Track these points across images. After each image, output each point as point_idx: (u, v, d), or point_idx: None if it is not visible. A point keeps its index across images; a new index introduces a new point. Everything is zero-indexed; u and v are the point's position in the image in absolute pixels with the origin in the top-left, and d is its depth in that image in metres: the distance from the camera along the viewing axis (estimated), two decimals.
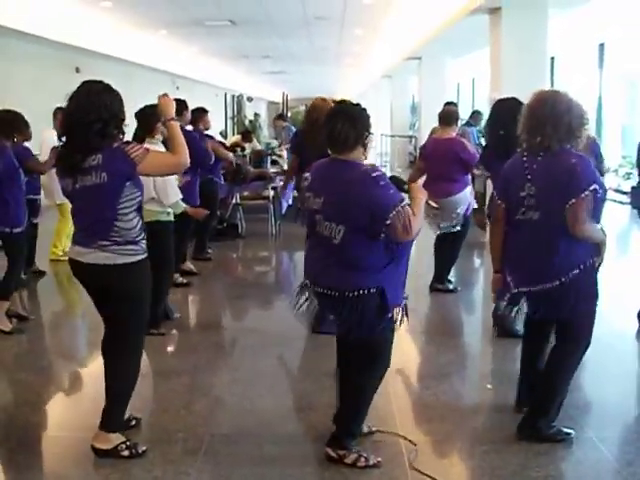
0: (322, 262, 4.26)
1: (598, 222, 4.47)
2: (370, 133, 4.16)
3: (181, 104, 9.13)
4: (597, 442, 4.64)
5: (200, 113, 9.97)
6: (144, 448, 4.49)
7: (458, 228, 8.05)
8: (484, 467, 4.37)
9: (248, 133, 17.53)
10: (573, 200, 4.24)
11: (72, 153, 4.24)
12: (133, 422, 4.83)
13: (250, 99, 37.54)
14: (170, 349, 6.74)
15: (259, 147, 17.45)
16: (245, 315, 8.23)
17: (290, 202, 13.13)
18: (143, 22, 17.26)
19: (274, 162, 15.74)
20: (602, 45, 18.14)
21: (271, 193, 12.58)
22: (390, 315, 4.15)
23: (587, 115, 4.51)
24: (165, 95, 4.58)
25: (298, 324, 7.01)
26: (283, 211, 12.61)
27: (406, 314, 4.31)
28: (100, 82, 4.34)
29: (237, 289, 9.19)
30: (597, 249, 4.46)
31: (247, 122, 24.06)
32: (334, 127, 4.12)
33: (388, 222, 3.93)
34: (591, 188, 4.25)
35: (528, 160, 4.52)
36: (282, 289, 9.74)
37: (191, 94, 21.51)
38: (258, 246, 12.12)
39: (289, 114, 27.56)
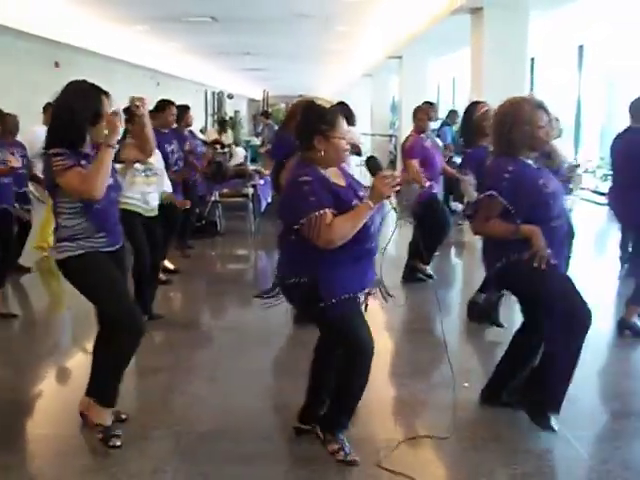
0: (280, 254, 4.43)
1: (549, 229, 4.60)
2: (322, 135, 4.13)
3: (179, 108, 9.23)
4: (573, 440, 4.67)
5: (182, 110, 9.96)
6: (117, 443, 4.49)
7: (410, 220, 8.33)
8: (461, 465, 4.39)
9: (224, 122, 17.60)
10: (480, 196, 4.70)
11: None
12: (123, 416, 4.85)
13: (230, 96, 37.52)
14: (148, 347, 6.70)
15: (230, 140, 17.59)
16: (224, 313, 8.23)
17: (269, 200, 13.15)
18: (123, 17, 17.15)
19: (253, 160, 15.76)
20: (581, 47, 18.25)
21: (250, 191, 12.57)
22: (329, 303, 4.12)
23: (538, 134, 4.61)
24: (114, 113, 4.41)
25: (277, 322, 7.01)
26: (262, 209, 12.63)
27: (366, 305, 4.40)
28: (78, 83, 4.42)
29: (216, 287, 9.17)
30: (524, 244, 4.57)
31: (227, 119, 23.99)
32: (297, 127, 4.33)
33: (296, 227, 4.03)
34: (487, 193, 4.58)
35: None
36: (261, 287, 9.67)
37: (171, 90, 21.50)
38: (237, 244, 12.11)
39: (269, 111, 27.54)
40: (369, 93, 28.97)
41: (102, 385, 4.64)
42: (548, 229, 4.55)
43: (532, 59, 19.07)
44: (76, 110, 4.28)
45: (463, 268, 9.50)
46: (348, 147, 4.26)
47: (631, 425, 4.95)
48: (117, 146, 4.42)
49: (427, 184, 8.41)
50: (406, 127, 15.91)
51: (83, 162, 4.34)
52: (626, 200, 6.61)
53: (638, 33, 15.51)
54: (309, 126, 4.17)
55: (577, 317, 4.73)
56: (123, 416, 4.87)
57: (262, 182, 13.02)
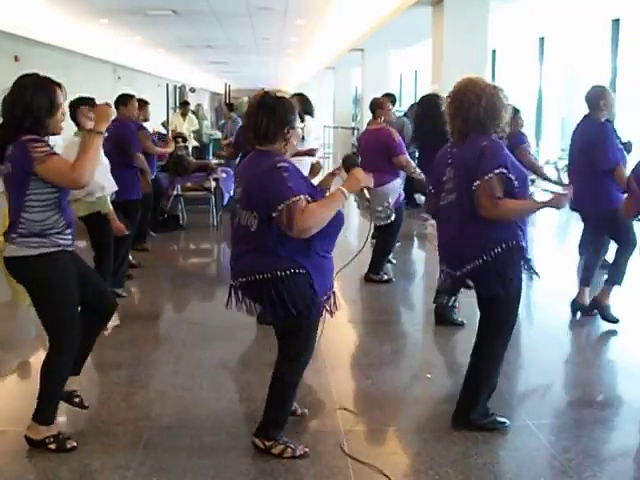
0: (239, 250, 4.28)
1: None
2: (291, 127, 4.14)
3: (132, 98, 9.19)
4: (534, 429, 4.70)
5: (140, 104, 9.92)
6: (74, 444, 4.43)
7: (391, 219, 8.13)
8: (424, 455, 4.40)
9: (186, 103, 17.57)
10: (477, 182, 4.30)
11: None
12: (77, 399, 4.77)
13: (193, 90, 37.30)
14: (110, 341, 6.67)
15: (196, 126, 17.55)
16: (186, 306, 8.19)
17: (232, 193, 13.10)
18: (84, 10, 17.00)
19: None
20: (542, 39, 18.35)
21: (213, 184, 12.52)
22: (316, 300, 4.13)
23: (504, 108, 4.51)
24: (107, 104, 4.42)
25: (240, 316, 6.96)
26: (225, 202, 12.59)
27: (333, 308, 4.34)
28: (31, 76, 4.33)
29: (178, 280, 9.13)
30: (515, 233, 4.44)
31: (190, 112, 23.87)
32: (256, 119, 4.15)
33: (274, 214, 3.95)
34: (496, 171, 4.28)
35: (452, 147, 4.64)
36: (223, 280, 9.65)
37: (133, 84, 21.35)
38: (199, 237, 12.06)
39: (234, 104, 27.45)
40: (332, 86, 29.01)
41: (43, 403, 4.47)
42: None
43: (493, 51, 19.16)
44: (32, 102, 4.20)
45: (426, 260, 9.53)
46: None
47: (592, 414, 4.99)
48: (105, 134, 4.32)
49: (400, 183, 8.35)
50: (368, 119, 15.93)
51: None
52: (583, 187, 6.67)
53: (598, 25, 15.63)
54: (281, 119, 4.13)
55: (509, 333, 4.69)
56: (86, 404, 4.80)
57: (224, 175, 12.97)
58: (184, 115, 18.20)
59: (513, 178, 4.32)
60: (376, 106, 8.69)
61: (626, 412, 5.07)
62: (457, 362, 6.10)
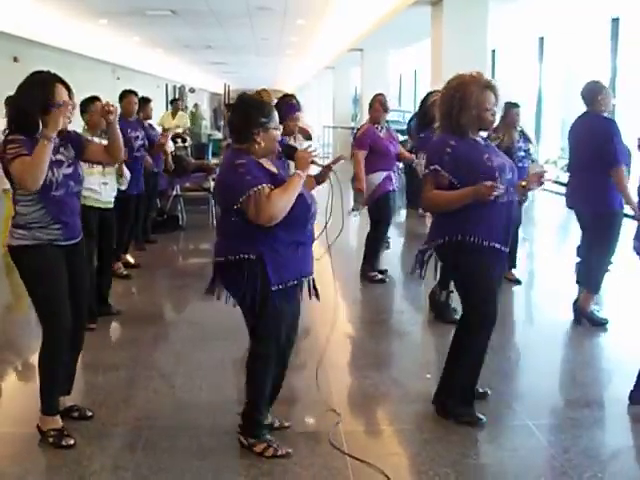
0: (216, 237, 4.43)
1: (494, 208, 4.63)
2: (262, 128, 4.21)
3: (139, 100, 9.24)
4: (534, 429, 4.70)
5: (142, 103, 9.93)
6: (71, 442, 4.45)
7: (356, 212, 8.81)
8: (424, 455, 4.40)
9: (175, 100, 17.57)
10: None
11: None
12: (75, 414, 4.79)
13: (192, 90, 37.33)
14: (109, 342, 6.67)
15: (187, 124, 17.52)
16: (185, 307, 8.18)
17: None
18: (83, 11, 17.01)
19: (215, 154, 15.69)
20: (542, 38, 18.35)
21: (212, 184, 12.49)
22: (276, 288, 4.18)
23: (486, 105, 4.65)
24: (57, 104, 4.34)
25: (239, 316, 6.97)
26: None
27: (301, 296, 4.43)
28: (39, 73, 4.44)
29: (178, 281, 9.12)
30: (463, 228, 4.61)
31: (188, 112, 23.88)
32: (231, 117, 4.37)
33: (237, 206, 4.08)
34: (431, 168, 4.64)
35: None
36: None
37: (132, 84, 21.33)
38: (199, 238, 12.04)
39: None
40: (331, 86, 28.99)
41: (43, 395, 4.56)
42: (494, 205, 4.54)
43: (493, 51, 19.16)
44: (26, 98, 4.32)
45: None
46: (279, 136, 4.39)
47: (591, 414, 4.98)
48: (56, 140, 4.33)
49: (382, 177, 8.45)
50: (366, 118, 15.92)
51: None
52: (583, 186, 6.65)
53: (597, 24, 15.63)
54: (250, 120, 4.22)
55: (489, 319, 4.76)
56: (89, 413, 4.84)
57: None
58: (174, 113, 18.13)
59: (447, 176, 4.59)
60: (369, 105, 9.06)
61: (625, 412, 5.05)
62: None
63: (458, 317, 6.77)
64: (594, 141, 6.48)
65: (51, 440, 4.46)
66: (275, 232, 4.12)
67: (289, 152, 4.61)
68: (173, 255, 11.10)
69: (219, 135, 19.23)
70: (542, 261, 10.05)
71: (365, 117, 10.92)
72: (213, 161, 14.85)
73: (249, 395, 4.41)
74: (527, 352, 6.25)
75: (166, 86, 36.72)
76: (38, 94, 4.30)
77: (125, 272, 8.71)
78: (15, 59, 17.89)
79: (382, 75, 19.99)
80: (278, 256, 4.17)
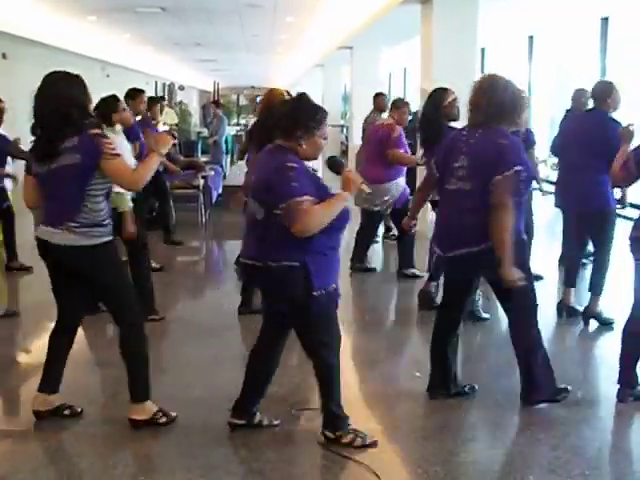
0: (249, 236, 4.40)
1: (520, 206, 4.72)
2: (308, 132, 4.21)
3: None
4: (523, 428, 4.72)
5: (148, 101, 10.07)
6: (174, 414, 4.69)
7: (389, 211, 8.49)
8: (413, 454, 4.41)
9: (161, 98, 17.56)
10: (498, 177, 4.53)
11: (45, 141, 4.44)
12: (67, 411, 4.79)
13: (182, 87, 37.27)
14: (97, 340, 6.64)
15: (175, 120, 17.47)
16: (174, 304, 8.15)
17: (220, 191, 13.09)
18: (72, 7, 16.94)
19: (204, 151, 15.66)
20: (531, 37, 18.37)
21: (201, 182, 12.49)
22: (319, 293, 4.19)
23: (524, 101, 4.81)
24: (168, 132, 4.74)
25: (228, 313, 7.00)
26: (213, 200, 12.56)
27: (336, 304, 4.38)
28: (58, 72, 4.56)
29: (167, 278, 9.08)
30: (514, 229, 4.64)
31: (177, 109, 23.85)
32: (280, 113, 4.41)
33: (277, 212, 4.08)
34: (516, 169, 4.54)
35: (467, 135, 4.85)
36: (212, 278, 9.72)
37: (121, 82, 21.29)
38: (188, 235, 12.01)
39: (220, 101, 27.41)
40: (321, 83, 28.96)
41: (141, 382, 4.71)
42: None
43: (482, 49, 19.17)
44: (75, 94, 4.45)
45: (416, 259, 9.47)
46: (324, 147, 4.35)
47: (580, 412, 5.00)
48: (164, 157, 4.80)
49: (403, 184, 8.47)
50: (357, 117, 15.94)
51: None
52: (579, 183, 6.63)
53: (587, 24, 15.67)
54: (297, 119, 4.23)
55: (536, 302, 5.00)
56: (78, 409, 4.84)
57: (212, 173, 12.95)
58: (161, 111, 18.09)
59: (524, 176, 4.62)
60: (393, 104, 9.03)
61: (613, 410, 5.08)
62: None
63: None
64: (605, 142, 6.30)
65: (163, 420, 4.63)
66: (318, 238, 4.12)
67: (333, 166, 4.49)
68: (162, 253, 11.06)
69: (206, 133, 19.18)
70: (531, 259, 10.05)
71: (356, 115, 10.91)
72: (202, 158, 14.84)
73: (328, 395, 4.42)
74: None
75: (155, 83, 36.64)
76: (83, 89, 4.52)
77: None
78: (4, 56, 17.83)
79: (372, 73, 19.93)
80: (320, 262, 4.18)
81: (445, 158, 4.93)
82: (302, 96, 4.52)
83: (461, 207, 4.76)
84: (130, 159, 5.76)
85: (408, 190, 8.46)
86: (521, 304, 4.88)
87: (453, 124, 6.79)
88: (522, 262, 4.72)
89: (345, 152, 22.82)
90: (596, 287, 6.72)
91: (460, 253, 4.77)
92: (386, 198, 8.26)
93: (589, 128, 6.62)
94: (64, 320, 4.80)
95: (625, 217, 9.80)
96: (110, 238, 4.57)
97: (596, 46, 14.95)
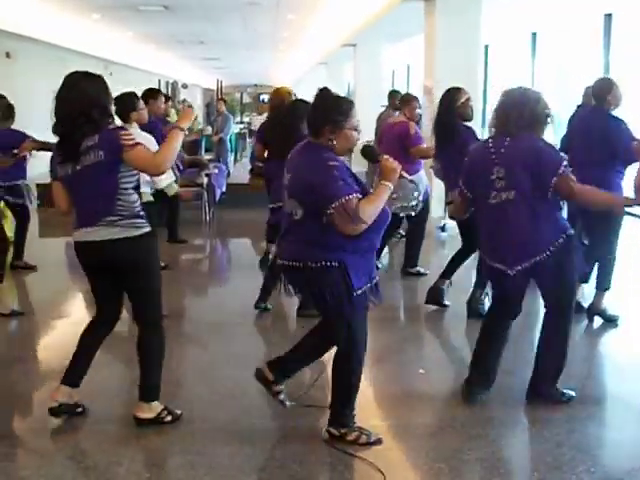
0: (283, 233, 4.40)
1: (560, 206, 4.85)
2: (337, 126, 4.17)
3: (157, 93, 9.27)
4: (528, 424, 4.72)
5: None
6: (179, 412, 4.69)
7: (414, 213, 8.24)
8: (418, 451, 4.41)
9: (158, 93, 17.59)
10: (554, 179, 4.57)
11: (67, 143, 4.42)
12: (80, 409, 4.78)
13: (185, 86, 37.31)
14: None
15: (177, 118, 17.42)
16: (178, 303, 8.14)
17: (224, 189, 13.08)
18: (75, 6, 16.95)
19: (208, 149, 15.64)
20: (535, 34, 18.34)
21: (205, 180, 12.47)
22: (354, 294, 4.20)
23: (550, 111, 4.86)
24: (190, 107, 4.68)
25: (230, 311, 7.01)
26: (217, 198, 12.55)
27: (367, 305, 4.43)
28: (79, 72, 4.55)
29: (170, 276, 9.07)
30: (566, 224, 4.78)
31: (180, 108, 23.85)
32: (310, 111, 4.34)
33: (329, 212, 4.03)
34: (564, 164, 4.62)
35: (494, 145, 4.79)
36: (216, 276, 9.71)
37: (125, 80, 21.31)
38: (192, 233, 12.01)
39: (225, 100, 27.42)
40: (324, 81, 28.97)
41: (152, 381, 4.69)
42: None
43: (486, 46, 19.15)
44: (96, 94, 4.44)
45: (422, 257, 9.46)
46: (358, 139, 4.29)
47: (586, 409, 4.98)
48: (187, 132, 4.64)
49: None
50: (360, 115, 15.88)
51: None
52: (591, 182, 6.63)
53: (590, 21, 15.64)
54: (322, 114, 4.21)
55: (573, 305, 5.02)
56: (79, 409, 4.81)
57: (216, 171, 12.94)
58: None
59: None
60: (403, 100, 8.98)
61: (618, 407, 5.08)
62: (450, 357, 6.11)
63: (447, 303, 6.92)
64: (606, 139, 6.38)
65: (169, 419, 4.63)
66: (357, 238, 4.10)
67: (368, 153, 4.50)
68: (165, 251, 11.06)
69: (210, 131, 19.18)
70: None
71: (360, 113, 10.81)
72: (206, 156, 14.83)
73: (339, 393, 4.44)
74: (523, 348, 6.25)
75: (159, 82, 36.65)
76: (104, 88, 4.52)
77: None
78: (7, 55, 17.83)
79: (375, 70, 19.94)
80: (358, 261, 4.18)
81: (475, 174, 4.90)
82: (323, 91, 4.39)
83: (510, 217, 4.71)
84: (152, 147, 5.71)
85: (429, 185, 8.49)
86: (565, 303, 4.88)
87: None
88: (571, 262, 4.80)
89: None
90: (601, 283, 6.71)
91: (526, 265, 4.73)
92: (416, 193, 8.17)
93: (590, 126, 6.63)
94: (101, 319, 4.80)
95: (633, 214, 9.82)
96: (149, 229, 4.52)
97: (600, 43, 14.92)
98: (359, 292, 4.23)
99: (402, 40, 20.45)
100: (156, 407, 4.63)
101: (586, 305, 6.82)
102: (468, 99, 6.97)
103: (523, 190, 4.63)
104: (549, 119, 4.82)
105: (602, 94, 6.56)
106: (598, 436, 4.71)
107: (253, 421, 4.73)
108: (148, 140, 6.29)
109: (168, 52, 29.05)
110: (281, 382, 4.64)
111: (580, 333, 6.71)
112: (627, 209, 6.25)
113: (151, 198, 7.03)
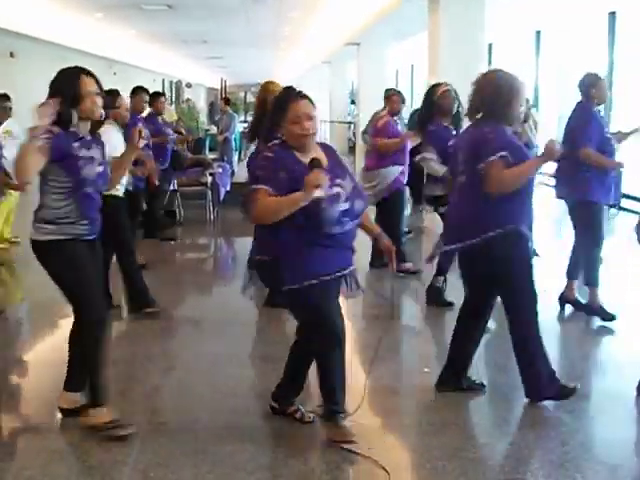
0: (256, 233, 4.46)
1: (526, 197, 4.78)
2: (279, 120, 4.20)
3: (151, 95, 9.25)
4: (531, 423, 4.71)
5: (153, 97, 10.09)
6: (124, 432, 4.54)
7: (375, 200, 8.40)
8: (422, 449, 4.41)
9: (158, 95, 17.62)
10: (482, 165, 4.58)
11: None
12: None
13: (189, 85, 37.31)
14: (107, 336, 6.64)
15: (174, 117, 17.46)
16: (182, 302, 8.15)
17: (228, 188, 13.08)
18: (78, 5, 16.96)
19: (212, 149, 15.64)
20: (539, 32, 18.33)
21: (209, 179, 12.48)
22: (294, 288, 4.14)
23: (518, 94, 4.80)
24: (42, 104, 4.31)
25: (235, 311, 7.00)
26: (221, 197, 12.55)
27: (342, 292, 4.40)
28: (69, 69, 4.47)
29: (175, 276, 9.10)
30: (513, 218, 4.67)
31: (185, 107, 23.88)
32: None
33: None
34: (499, 154, 4.55)
35: (465, 131, 5.12)
36: (220, 275, 9.71)
37: (129, 79, 21.32)
38: (196, 233, 12.03)
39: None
40: (328, 80, 28.95)
41: (75, 377, 4.66)
42: (529, 190, 4.77)
43: (490, 45, 19.14)
44: (57, 93, 4.30)
45: (422, 254, 9.47)
46: (307, 132, 4.13)
47: (589, 407, 4.99)
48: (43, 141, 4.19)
49: (399, 171, 8.41)
50: (365, 113, 15.89)
51: (75, 144, 4.34)
52: (566, 176, 6.70)
53: (594, 19, 15.63)
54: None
55: (536, 300, 4.87)
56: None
57: (221, 170, 12.94)
58: None
59: (511, 162, 4.58)
60: (385, 96, 9.18)
61: (622, 405, 5.06)
62: None
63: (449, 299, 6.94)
64: (568, 129, 6.70)
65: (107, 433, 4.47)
66: (292, 235, 4.08)
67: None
68: (170, 250, 11.07)
69: (214, 130, 19.19)
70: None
71: (364, 112, 10.90)
72: (210, 156, 14.83)
73: (326, 384, 4.42)
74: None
75: (162, 81, 36.69)
76: (66, 87, 4.34)
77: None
78: (11, 54, 17.86)
79: (379, 69, 19.91)
80: (292, 257, 4.13)
81: (454, 159, 5.05)
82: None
83: (456, 201, 4.96)
84: (114, 151, 5.63)
85: (401, 181, 8.50)
86: (521, 302, 4.83)
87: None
88: (523, 257, 4.78)
89: (353, 149, 22.79)
90: (588, 279, 6.74)
91: (453, 248, 4.91)
92: (373, 183, 8.31)
93: (570, 120, 6.83)
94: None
95: (624, 209, 9.80)
96: (60, 237, 4.40)
97: (604, 41, 14.91)
98: (304, 285, 4.11)
99: (406, 39, 20.44)
100: (73, 399, 4.65)
101: (584, 302, 6.83)
102: (446, 90, 7.17)
103: (469, 175, 4.74)
104: (516, 103, 4.76)
105: (587, 88, 6.63)
106: (602, 434, 4.70)
107: (256, 419, 4.73)
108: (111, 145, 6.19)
109: (172, 51, 29.07)
110: (293, 404, 4.66)
111: (579, 331, 6.70)
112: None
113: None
